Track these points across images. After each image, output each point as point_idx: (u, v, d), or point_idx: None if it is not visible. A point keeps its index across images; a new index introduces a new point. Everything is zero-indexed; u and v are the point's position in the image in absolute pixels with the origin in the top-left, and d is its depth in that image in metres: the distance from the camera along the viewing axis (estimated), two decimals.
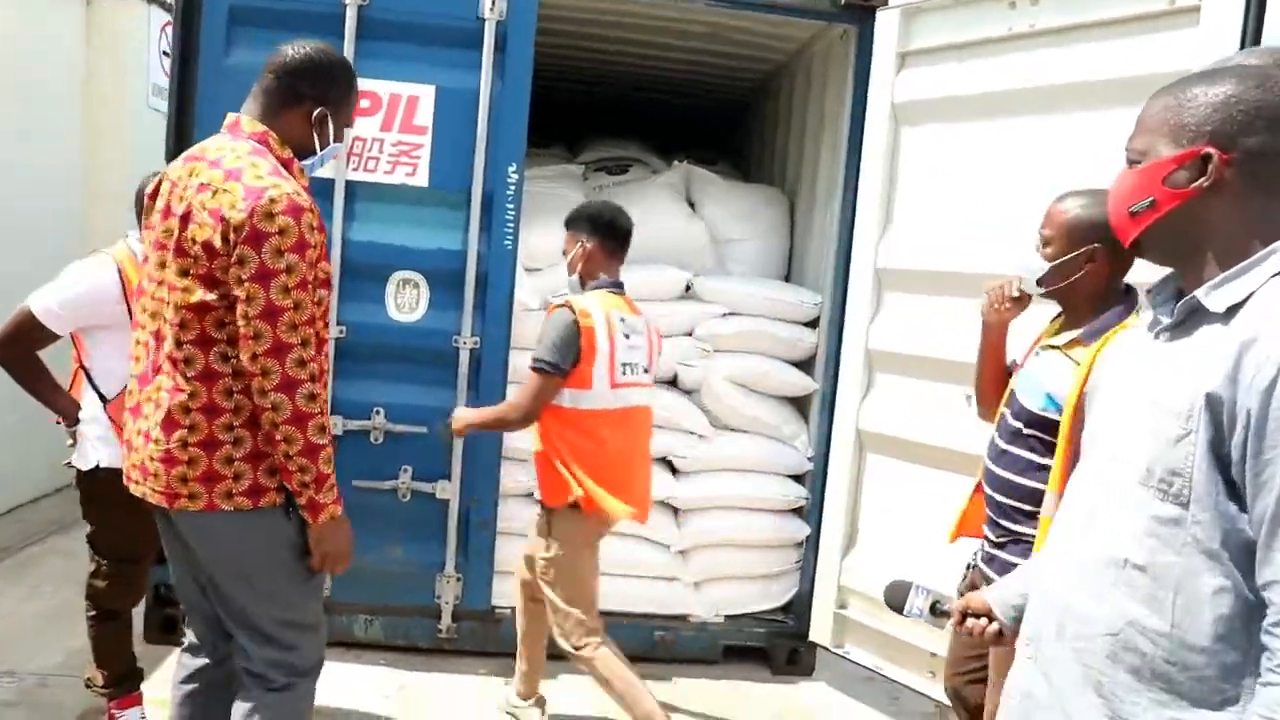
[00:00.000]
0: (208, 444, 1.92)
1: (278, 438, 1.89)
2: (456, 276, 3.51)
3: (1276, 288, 1.18)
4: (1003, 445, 2.19)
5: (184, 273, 1.89)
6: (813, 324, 3.97)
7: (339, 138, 2.11)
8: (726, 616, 3.86)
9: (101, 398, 2.75)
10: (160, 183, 2.04)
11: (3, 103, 4.58)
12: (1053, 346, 2.11)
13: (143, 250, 2.10)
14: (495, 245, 3.52)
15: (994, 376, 2.40)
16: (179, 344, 1.90)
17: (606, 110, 5.69)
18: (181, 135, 3.37)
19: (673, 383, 3.97)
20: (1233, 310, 1.20)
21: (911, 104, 3.36)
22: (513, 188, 3.51)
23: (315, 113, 2.03)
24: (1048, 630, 1.38)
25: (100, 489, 2.76)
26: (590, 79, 5.13)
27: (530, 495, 3.75)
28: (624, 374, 2.86)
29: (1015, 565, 2.14)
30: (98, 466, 2.75)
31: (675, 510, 3.87)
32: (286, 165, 1.99)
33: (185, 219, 1.89)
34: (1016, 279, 2.22)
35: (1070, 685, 1.32)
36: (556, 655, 3.56)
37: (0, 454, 4.67)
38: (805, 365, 4.00)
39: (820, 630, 3.62)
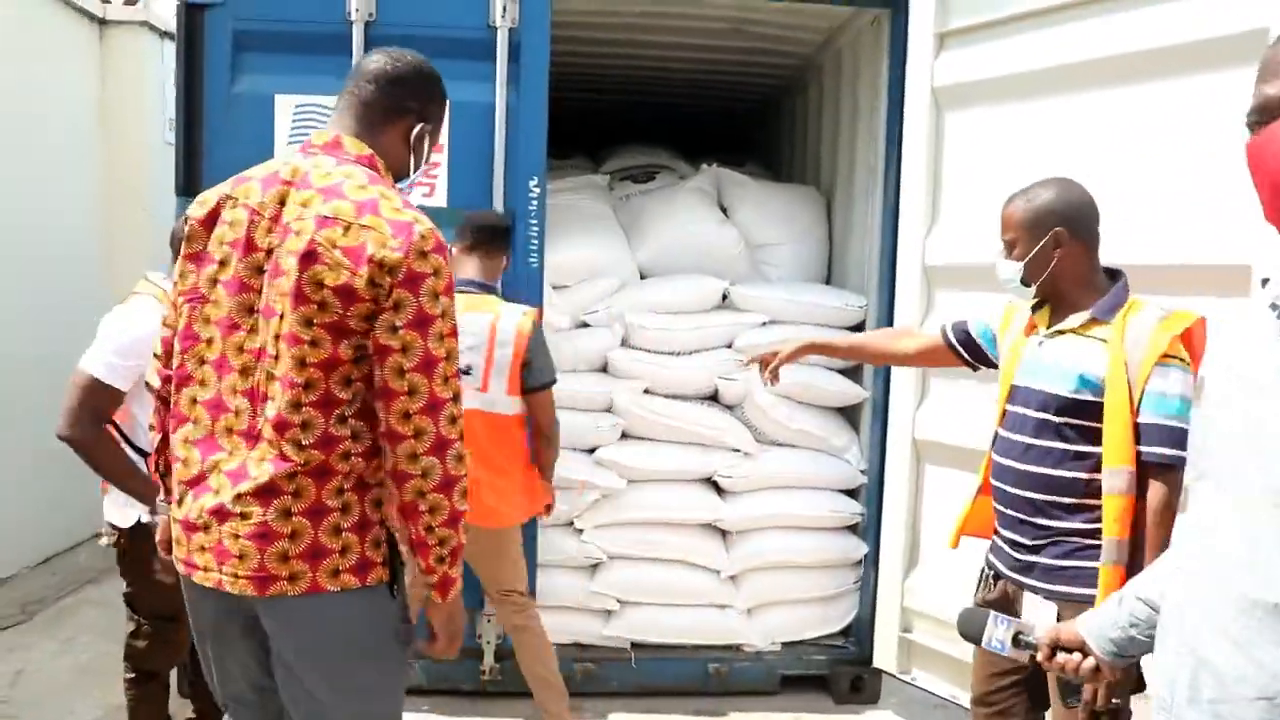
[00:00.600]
0: (314, 512, 1.62)
1: (422, 508, 1.61)
2: None
3: None
4: (1028, 440, 2.11)
5: (308, 322, 1.59)
6: (858, 328, 3.76)
7: (429, 157, 1.86)
8: (783, 644, 3.64)
9: (141, 452, 2.59)
10: (218, 209, 1.72)
11: (18, 139, 4.53)
12: (1062, 332, 2.10)
13: (192, 286, 1.73)
14: (520, 265, 3.35)
15: (876, 354, 2.90)
16: (297, 406, 1.60)
17: (629, 118, 5.52)
18: (191, 169, 3.25)
19: (713, 398, 3.77)
20: None
21: (954, 87, 3.14)
22: (535, 203, 3.34)
23: (416, 129, 1.77)
24: (1180, 692, 1.16)
25: (142, 546, 2.61)
26: (609, 86, 4.97)
27: (571, 525, 3.59)
28: None
29: (1063, 569, 2.05)
30: (139, 522, 2.60)
31: (723, 533, 3.67)
32: None
33: (308, 258, 1.59)
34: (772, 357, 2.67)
35: None
36: (586, 691, 3.40)
37: (31, 502, 4.60)
38: (853, 373, 3.78)
39: (884, 656, 3.39)
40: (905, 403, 3.31)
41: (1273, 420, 1.06)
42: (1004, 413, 2.20)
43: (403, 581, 1.75)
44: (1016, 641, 1.80)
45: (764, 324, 3.72)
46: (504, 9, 3.23)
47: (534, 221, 3.34)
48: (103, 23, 5.20)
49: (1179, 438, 1.89)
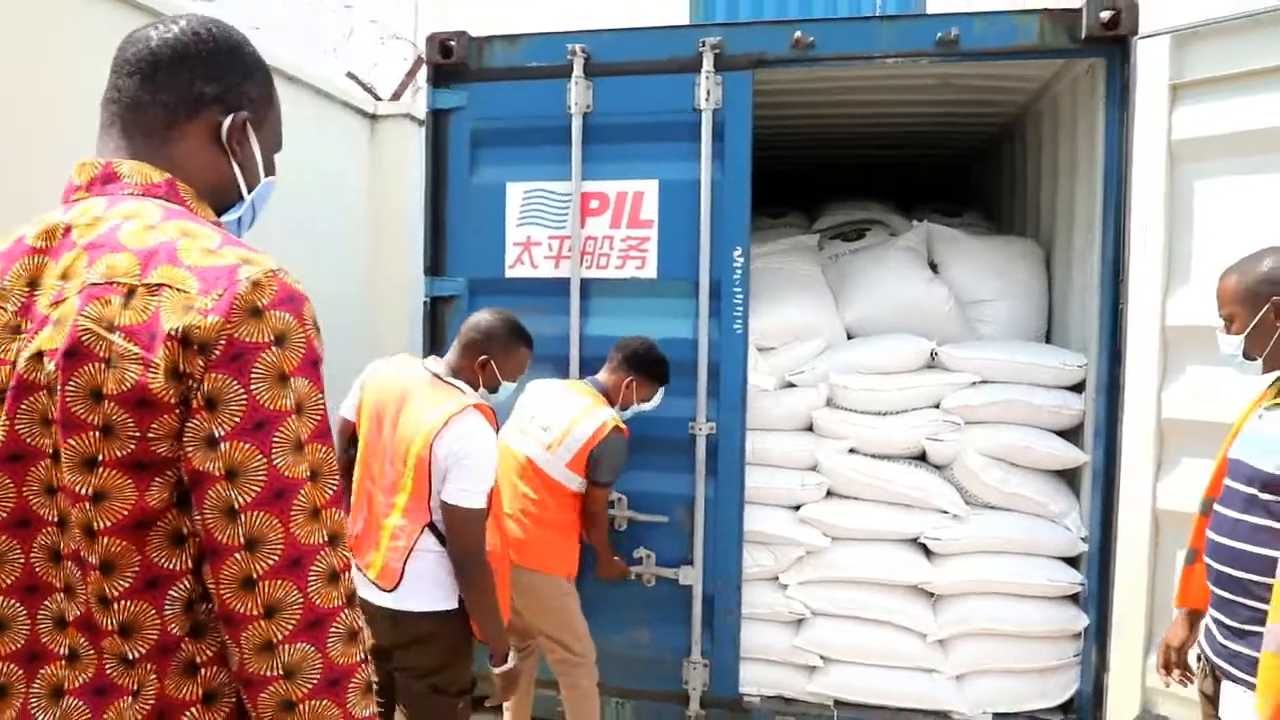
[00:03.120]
0: None
1: None
2: (689, 364, 3.55)
3: None
4: (1236, 515, 2.06)
5: (88, 463, 1.02)
6: (1077, 389, 3.60)
7: (270, 168, 1.28)
8: (995, 715, 3.52)
9: None
10: None
11: (306, 227, 5.28)
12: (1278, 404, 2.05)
13: None
14: (725, 331, 3.53)
15: None
16: (104, 601, 1.04)
17: (843, 172, 5.58)
18: (436, 250, 3.73)
19: (922, 458, 3.75)
20: None
21: (1195, 141, 3.00)
22: (739, 272, 3.51)
23: (227, 124, 1.19)
24: None
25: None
26: (820, 142, 5.06)
27: (776, 579, 3.68)
28: (530, 422, 3.26)
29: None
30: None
31: (931, 595, 3.62)
32: None
33: (72, 358, 1.02)
34: None
35: None
36: None
37: None
38: (1073, 435, 3.62)
39: None
40: (1142, 471, 3.15)
41: None
42: (1224, 489, 2.15)
43: None
44: None
45: (975, 384, 3.66)
46: (708, 93, 3.45)
47: (738, 290, 3.51)
48: (374, 118, 5.97)
49: None
